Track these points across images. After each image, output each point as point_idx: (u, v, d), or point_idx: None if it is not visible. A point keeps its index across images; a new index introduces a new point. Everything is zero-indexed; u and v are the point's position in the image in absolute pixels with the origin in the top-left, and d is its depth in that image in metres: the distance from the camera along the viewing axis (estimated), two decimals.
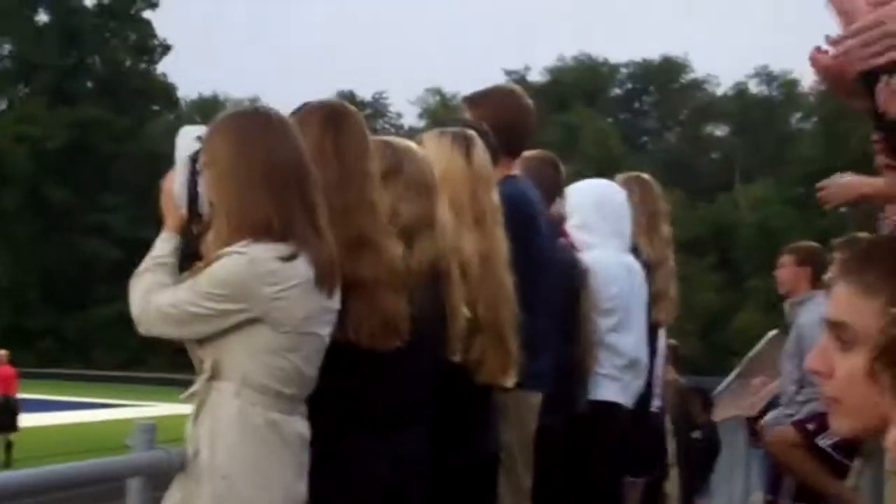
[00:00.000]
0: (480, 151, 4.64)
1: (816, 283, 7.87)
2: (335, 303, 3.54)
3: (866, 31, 2.89)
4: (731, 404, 14.56)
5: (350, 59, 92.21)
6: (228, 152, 3.45)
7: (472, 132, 4.75)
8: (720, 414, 13.84)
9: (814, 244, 8.60)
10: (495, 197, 4.64)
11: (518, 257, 5.08)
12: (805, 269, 8.01)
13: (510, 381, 4.51)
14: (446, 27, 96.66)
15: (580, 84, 68.66)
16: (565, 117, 63.71)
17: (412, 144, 4.26)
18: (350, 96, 69.85)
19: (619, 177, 7.16)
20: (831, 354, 2.23)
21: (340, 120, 3.85)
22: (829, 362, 2.23)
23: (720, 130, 71.85)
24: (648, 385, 6.60)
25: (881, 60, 2.96)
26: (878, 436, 2.13)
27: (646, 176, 7.28)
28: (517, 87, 6.26)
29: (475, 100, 5.76)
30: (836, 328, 2.22)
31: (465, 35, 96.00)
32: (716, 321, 53.31)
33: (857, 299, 2.21)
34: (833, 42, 3.03)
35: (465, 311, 4.12)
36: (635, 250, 6.75)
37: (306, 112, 3.89)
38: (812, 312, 7.47)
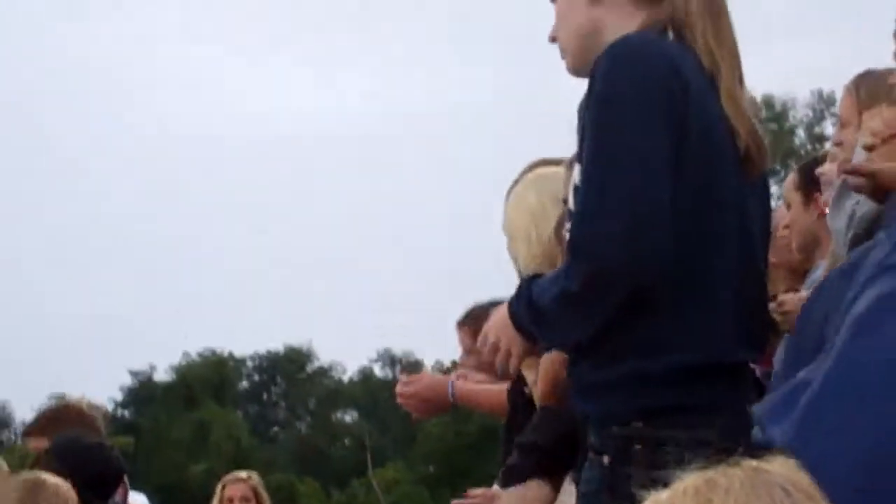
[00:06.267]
0: None
1: None
2: None
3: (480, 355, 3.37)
4: None
5: None
6: None
7: None
8: None
9: None
10: None
11: None
12: None
13: None
14: (66, 328, 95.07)
15: (207, 379, 68.48)
16: (196, 414, 63.29)
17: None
18: None
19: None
20: None
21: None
22: None
23: (349, 416, 72.61)
24: None
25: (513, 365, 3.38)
26: None
27: None
28: None
29: None
30: None
31: (86, 335, 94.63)
32: None
33: None
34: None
35: None
36: None
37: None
38: None
